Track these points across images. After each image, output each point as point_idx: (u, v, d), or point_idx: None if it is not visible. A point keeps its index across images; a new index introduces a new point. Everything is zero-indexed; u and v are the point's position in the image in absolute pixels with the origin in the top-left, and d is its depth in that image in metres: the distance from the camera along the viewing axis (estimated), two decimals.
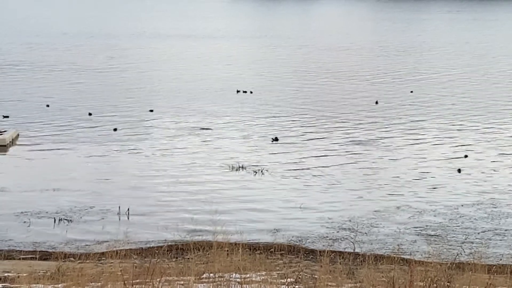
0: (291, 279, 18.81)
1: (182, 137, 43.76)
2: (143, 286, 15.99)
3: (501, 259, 24.92)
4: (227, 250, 19.86)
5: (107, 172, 36.17)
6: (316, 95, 60.08)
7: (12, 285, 19.17)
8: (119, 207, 29.79)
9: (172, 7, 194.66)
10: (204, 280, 18.36)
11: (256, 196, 32.38)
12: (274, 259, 23.60)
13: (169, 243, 25.97)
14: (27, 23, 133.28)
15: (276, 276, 19.20)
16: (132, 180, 34.80)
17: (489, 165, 38.19)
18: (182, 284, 17.18)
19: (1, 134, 41.90)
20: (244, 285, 16.85)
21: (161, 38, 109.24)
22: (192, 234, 26.88)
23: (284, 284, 17.73)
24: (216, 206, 29.05)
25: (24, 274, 19.40)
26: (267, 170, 36.33)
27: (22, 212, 29.71)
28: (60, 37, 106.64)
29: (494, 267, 21.20)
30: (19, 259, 23.78)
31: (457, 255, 23.00)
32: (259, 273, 18.57)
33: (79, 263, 21.71)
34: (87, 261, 22.26)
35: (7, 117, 48.48)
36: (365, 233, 27.77)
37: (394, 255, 22.94)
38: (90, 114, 50.24)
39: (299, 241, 26.92)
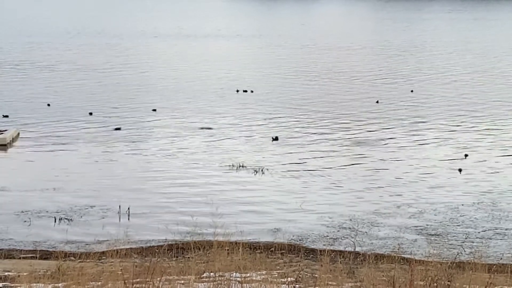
0: (292, 278, 18.80)
1: (182, 137, 43.77)
2: (144, 285, 15.98)
3: (501, 258, 24.90)
4: (228, 249, 19.86)
5: (107, 172, 36.17)
6: (316, 94, 60.08)
7: (12, 284, 19.17)
8: (120, 206, 29.79)
9: (172, 7, 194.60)
10: (204, 279, 18.35)
11: (257, 196, 32.38)
12: (274, 258, 23.60)
13: (170, 242, 25.95)
14: (28, 22, 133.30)
15: (276, 275, 19.19)
16: (132, 179, 34.80)
17: (489, 164, 38.17)
18: (183, 283, 17.17)
19: (2, 134, 41.90)
20: (245, 284, 16.84)
21: (162, 38, 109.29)
22: (192, 233, 26.84)
23: (284, 283, 17.72)
24: (217, 205, 29.03)
25: (25, 273, 19.39)
26: (267, 170, 36.32)
27: (22, 211, 29.71)
28: (61, 37, 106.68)
29: (495, 266, 21.19)
30: (20, 258, 23.78)
31: (458, 254, 22.97)
32: (259, 272, 18.56)
33: (80, 262, 21.70)
34: (88, 260, 22.25)
35: (7, 116, 48.47)
36: (366, 232, 27.77)
37: (395, 254, 22.93)
38: (90, 113, 50.25)
39: (300, 240, 26.91)
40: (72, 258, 23.00)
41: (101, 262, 22.08)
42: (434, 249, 22.57)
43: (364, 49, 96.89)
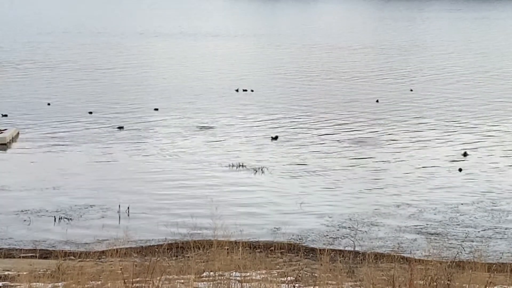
0: (291, 278, 18.81)
1: (182, 136, 43.77)
2: (143, 284, 15.98)
3: (501, 258, 24.94)
4: (227, 249, 19.85)
5: (107, 171, 36.19)
6: (316, 94, 60.07)
7: (12, 284, 19.17)
8: (119, 205, 29.80)
9: (173, 6, 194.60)
10: (204, 278, 18.35)
11: (256, 195, 32.38)
12: (274, 257, 23.60)
13: (169, 242, 25.97)
14: (29, 21, 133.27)
15: (276, 274, 19.19)
16: (132, 179, 34.81)
17: (489, 164, 38.17)
18: (182, 283, 17.17)
19: (1, 133, 41.90)
20: (244, 284, 16.85)
21: (163, 37, 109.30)
22: (192, 232, 26.86)
23: (284, 282, 17.72)
24: (216, 205, 28.97)
25: (24, 273, 19.38)
26: (267, 169, 36.32)
27: (22, 211, 29.72)
28: (62, 36, 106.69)
29: (494, 265, 21.24)
30: (19, 257, 23.76)
31: (457, 253, 22.99)
32: (259, 271, 18.55)
33: (79, 261, 21.72)
34: (87, 259, 22.26)
35: (6, 116, 48.45)
36: (365, 231, 27.77)
37: (394, 254, 22.93)
38: (90, 112, 50.26)
39: (299, 239, 26.92)
40: (72, 257, 23.02)
41: (101, 262, 22.08)
42: (433, 249, 22.53)
43: (365, 48, 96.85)
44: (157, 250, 24.25)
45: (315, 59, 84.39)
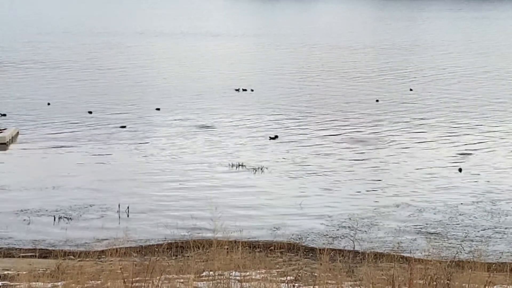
0: (291, 277, 18.80)
1: (182, 136, 43.77)
2: (143, 284, 15.98)
3: (500, 257, 24.93)
4: (227, 248, 19.85)
5: (106, 170, 36.19)
6: (316, 93, 60.07)
7: (12, 283, 19.16)
8: (119, 205, 29.79)
9: (173, 6, 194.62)
10: (204, 278, 18.35)
11: (256, 194, 32.38)
12: (273, 257, 23.59)
13: (169, 241, 25.97)
14: (29, 21, 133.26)
15: (275, 274, 19.18)
16: (132, 178, 34.80)
17: (489, 164, 38.16)
18: (182, 282, 17.17)
19: (1, 132, 41.90)
20: (244, 283, 16.84)
21: (163, 37, 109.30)
22: (191, 232, 26.88)
23: (283, 282, 17.71)
24: (216, 204, 29.01)
25: (24, 272, 19.39)
26: (267, 169, 36.32)
27: (22, 210, 29.72)
28: (62, 35, 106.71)
29: (494, 265, 21.23)
30: (19, 257, 23.76)
31: (457, 253, 22.98)
32: (258, 271, 18.55)
33: (79, 261, 21.71)
34: (87, 259, 22.26)
35: (4, 115, 48.42)
36: (365, 231, 27.77)
37: (394, 253, 22.93)
38: (90, 112, 50.26)
39: (299, 239, 26.91)
40: (72, 257, 23.00)
41: (101, 261, 22.06)
42: (433, 248, 22.53)
43: (365, 48, 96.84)
44: (157, 249, 24.25)
45: (315, 59, 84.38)
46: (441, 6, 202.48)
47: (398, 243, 26.05)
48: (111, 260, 19.84)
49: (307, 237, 27.12)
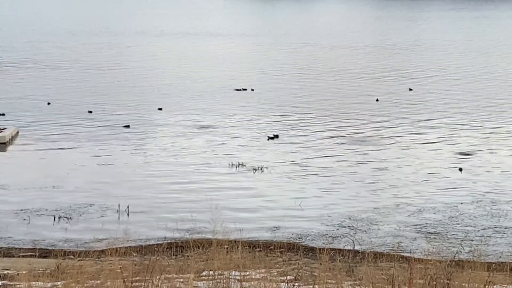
0: (291, 277, 18.79)
1: (182, 135, 43.77)
2: (143, 283, 15.97)
3: (500, 257, 24.92)
4: (227, 248, 19.84)
5: (106, 170, 36.18)
6: (317, 93, 60.07)
7: (11, 283, 19.14)
8: (119, 204, 29.79)
9: (173, 6, 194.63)
10: (203, 277, 18.35)
11: (256, 194, 32.37)
12: (273, 256, 23.58)
13: (169, 241, 25.97)
14: (30, 21, 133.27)
15: (275, 273, 19.18)
16: (131, 178, 34.80)
17: (489, 163, 38.16)
18: (182, 282, 17.16)
19: (1, 132, 41.89)
20: (244, 283, 16.83)
21: (163, 36, 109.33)
22: (191, 231, 26.87)
23: (283, 281, 17.70)
24: (216, 204, 28.99)
25: (24, 272, 19.37)
26: (266, 168, 36.32)
27: (21, 210, 29.71)
28: (63, 35, 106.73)
29: (494, 264, 21.23)
30: (19, 256, 23.77)
31: (457, 252, 22.96)
32: (258, 270, 18.54)
33: (79, 260, 21.68)
34: (87, 258, 22.23)
35: (3, 115, 48.40)
36: (365, 230, 27.76)
37: (394, 253, 22.93)
38: (90, 111, 50.26)
39: (299, 238, 26.90)
40: (71, 256, 22.98)
41: (100, 261, 22.05)
42: (433, 248, 22.53)
43: (365, 48, 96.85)
44: (157, 249, 24.24)
45: (315, 58, 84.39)
46: (441, 6, 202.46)
47: (398, 242, 26.04)
48: (111, 260, 19.82)
49: (307, 237, 27.11)
